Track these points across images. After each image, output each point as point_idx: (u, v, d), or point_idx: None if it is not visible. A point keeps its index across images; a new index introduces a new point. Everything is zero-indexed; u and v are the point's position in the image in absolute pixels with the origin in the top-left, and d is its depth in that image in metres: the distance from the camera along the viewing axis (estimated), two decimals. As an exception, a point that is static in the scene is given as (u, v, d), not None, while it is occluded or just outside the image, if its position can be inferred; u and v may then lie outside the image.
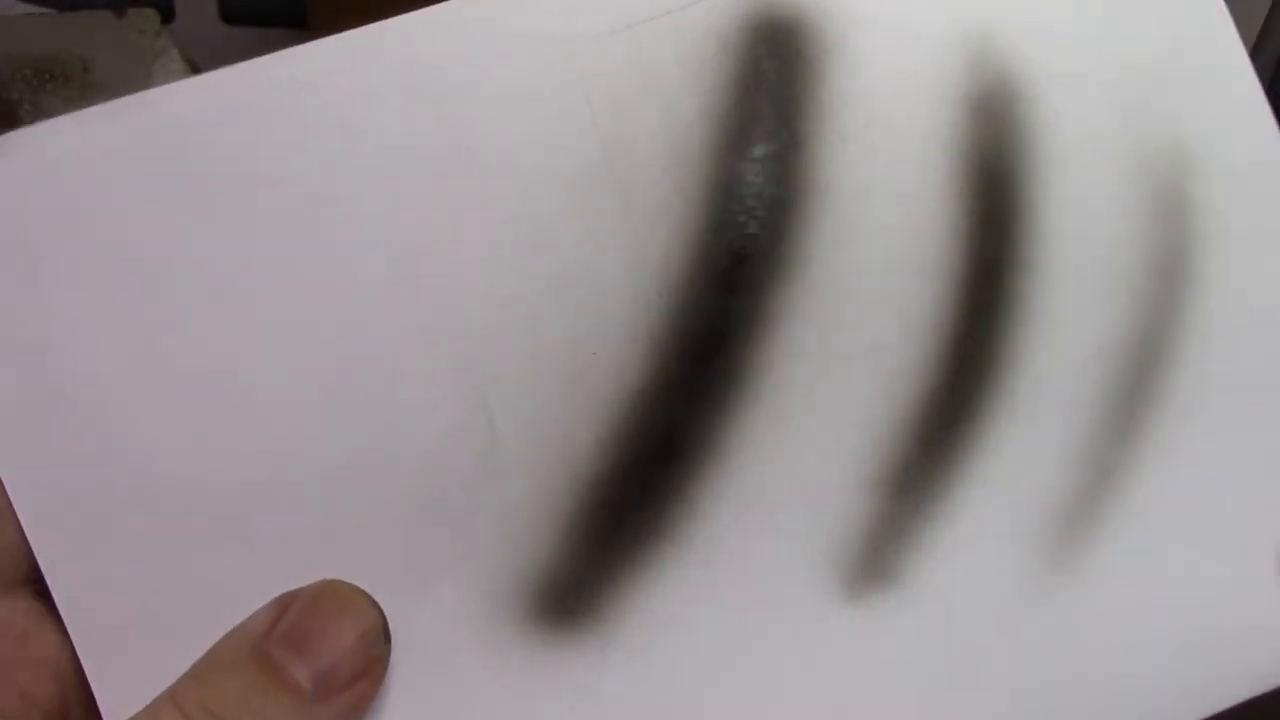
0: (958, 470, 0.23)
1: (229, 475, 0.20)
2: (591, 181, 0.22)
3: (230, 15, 0.59)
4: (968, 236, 0.23)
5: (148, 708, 0.19)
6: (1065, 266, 0.23)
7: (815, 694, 0.21)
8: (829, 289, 0.23)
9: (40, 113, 0.46)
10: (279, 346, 0.21)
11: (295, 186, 0.21)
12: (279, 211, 0.21)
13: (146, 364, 0.20)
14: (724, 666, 0.21)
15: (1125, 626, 0.23)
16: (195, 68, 0.50)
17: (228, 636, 0.19)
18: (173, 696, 0.19)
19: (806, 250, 0.23)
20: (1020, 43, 0.24)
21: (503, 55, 0.22)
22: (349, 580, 0.20)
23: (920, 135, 0.23)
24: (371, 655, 0.19)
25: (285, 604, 0.19)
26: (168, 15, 0.56)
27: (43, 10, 0.55)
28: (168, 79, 0.39)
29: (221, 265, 0.21)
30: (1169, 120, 0.24)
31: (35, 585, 0.20)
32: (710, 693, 0.21)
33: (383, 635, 0.20)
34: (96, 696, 0.20)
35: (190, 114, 0.21)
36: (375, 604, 0.20)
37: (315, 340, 0.21)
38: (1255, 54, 0.79)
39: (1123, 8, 0.24)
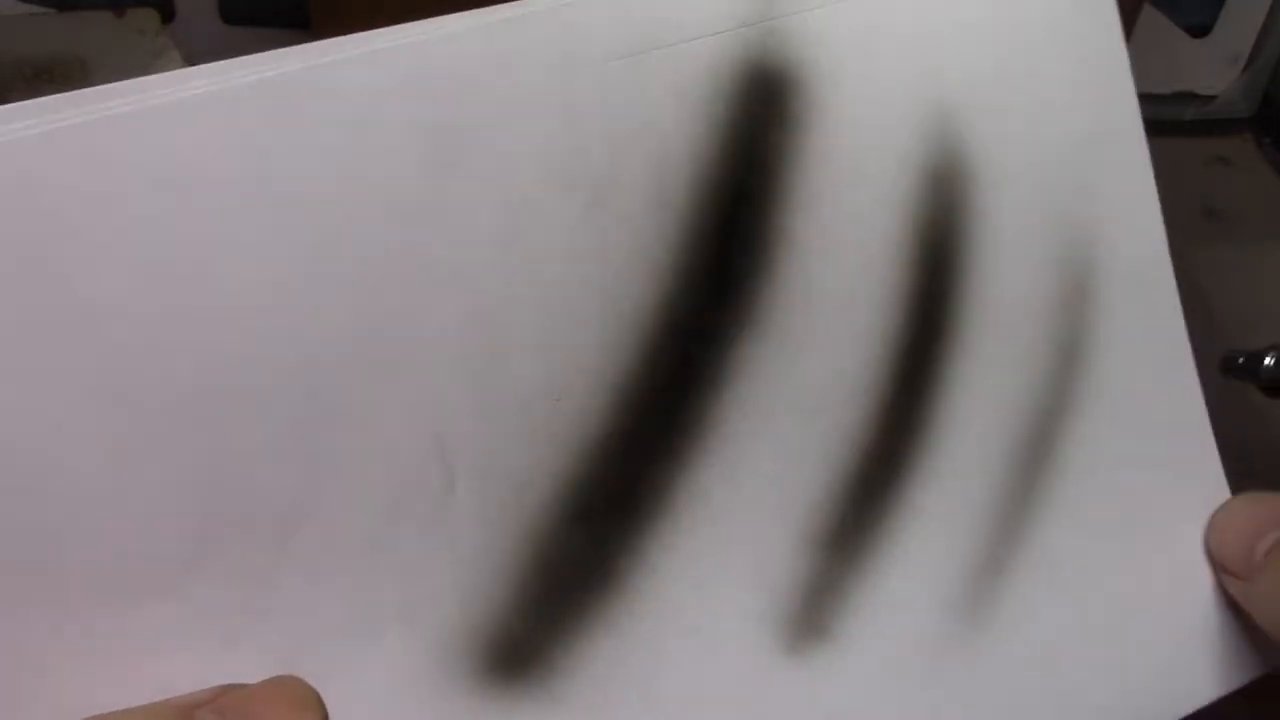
0: (886, 527, 0.24)
1: (179, 514, 0.19)
2: (576, 220, 0.21)
3: (230, 15, 0.59)
4: (907, 304, 0.24)
5: None
6: (984, 339, 0.25)
7: None
8: (783, 345, 0.23)
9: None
10: (232, 376, 0.19)
11: (260, 206, 0.19)
12: (235, 226, 0.19)
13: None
14: None
15: (1036, 675, 0.24)
16: (194, 70, 0.50)
17: (162, 701, 0.18)
18: None
19: (770, 303, 0.23)
20: (972, 120, 0.25)
21: (499, 73, 0.21)
22: (295, 625, 0.19)
23: (880, 200, 0.24)
24: None
25: (229, 689, 0.18)
26: (168, 15, 0.56)
27: (43, 10, 0.56)
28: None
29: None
30: (1082, 213, 0.26)
31: None
32: None
33: None
34: None
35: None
36: (324, 711, 0.18)
37: (270, 370, 0.19)
38: (1255, 54, 0.78)
39: (1056, 97, 0.26)
